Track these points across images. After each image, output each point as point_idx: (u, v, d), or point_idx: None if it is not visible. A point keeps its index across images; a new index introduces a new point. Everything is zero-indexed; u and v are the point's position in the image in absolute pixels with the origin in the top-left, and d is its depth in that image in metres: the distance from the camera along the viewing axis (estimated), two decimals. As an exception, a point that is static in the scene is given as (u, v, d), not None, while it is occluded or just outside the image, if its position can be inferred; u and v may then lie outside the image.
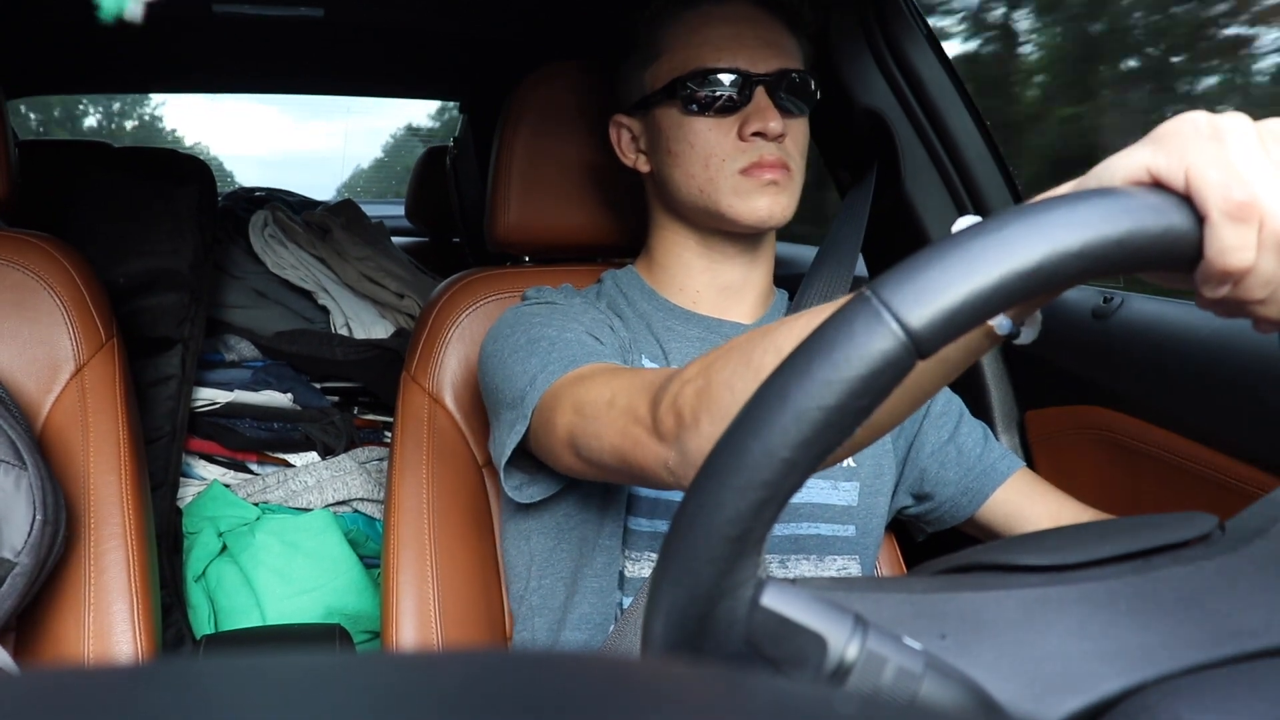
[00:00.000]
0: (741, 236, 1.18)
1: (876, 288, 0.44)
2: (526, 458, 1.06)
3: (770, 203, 1.12)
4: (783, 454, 0.42)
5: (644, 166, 1.23)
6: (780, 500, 0.43)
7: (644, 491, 1.13)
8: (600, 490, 1.13)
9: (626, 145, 1.24)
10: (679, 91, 1.14)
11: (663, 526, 1.14)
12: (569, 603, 1.15)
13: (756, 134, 1.11)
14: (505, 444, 1.03)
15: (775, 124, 1.11)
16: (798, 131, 1.16)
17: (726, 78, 1.12)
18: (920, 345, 0.43)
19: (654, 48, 1.18)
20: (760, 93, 1.12)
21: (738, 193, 1.12)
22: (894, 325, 0.43)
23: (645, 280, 1.24)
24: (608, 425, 0.88)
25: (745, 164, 1.12)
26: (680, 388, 0.80)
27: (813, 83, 1.18)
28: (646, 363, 1.17)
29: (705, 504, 0.44)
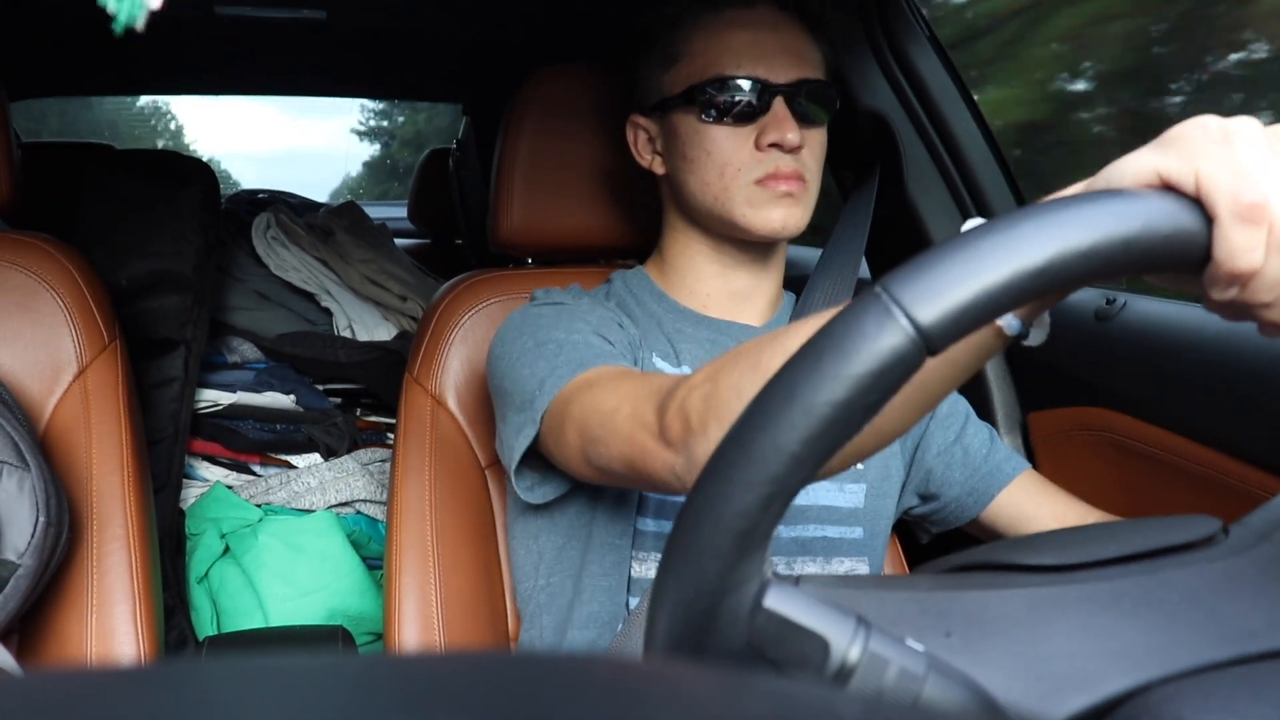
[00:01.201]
0: (754, 244, 1.18)
1: (887, 284, 0.44)
2: (537, 458, 1.06)
3: (785, 214, 1.12)
4: (791, 449, 0.42)
5: (659, 169, 1.22)
6: (787, 496, 0.43)
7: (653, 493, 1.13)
8: (613, 490, 1.13)
9: (643, 146, 1.24)
10: (697, 98, 1.13)
11: (669, 527, 1.14)
12: (576, 601, 1.15)
13: (773, 145, 1.11)
14: (515, 448, 1.03)
15: (793, 135, 1.10)
16: (815, 142, 1.15)
17: (745, 86, 1.11)
18: (930, 342, 0.43)
19: (674, 51, 1.17)
20: (779, 103, 1.12)
21: (752, 203, 1.12)
22: (904, 321, 0.43)
23: (655, 282, 1.24)
24: (616, 432, 0.88)
25: (761, 174, 1.11)
26: (688, 393, 0.80)
27: (832, 92, 1.17)
28: (658, 361, 1.17)
29: (712, 498, 0.44)
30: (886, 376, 0.43)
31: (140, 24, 0.47)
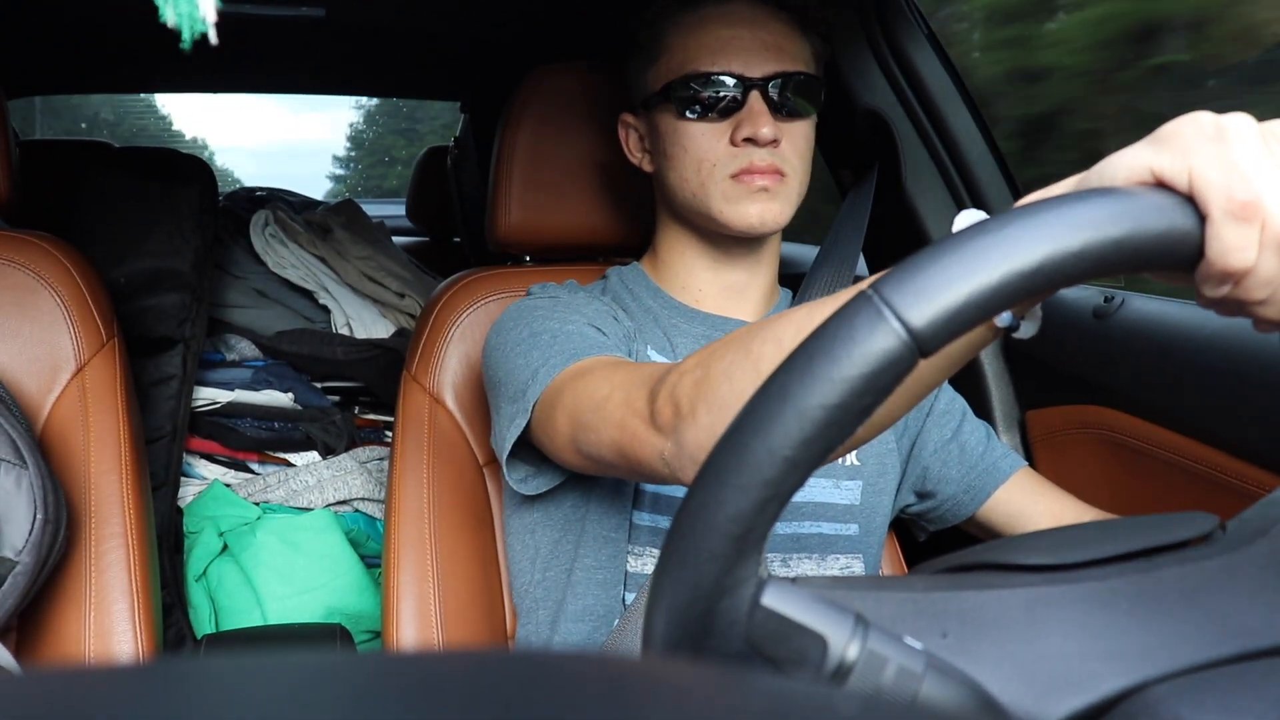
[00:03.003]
0: (743, 239, 1.18)
1: (878, 286, 0.44)
2: (530, 450, 1.06)
3: (761, 209, 1.12)
4: (785, 453, 0.42)
5: (648, 166, 1.23)
6: (782, 499, 0.43)
7: (647, 486, 1.13)
8: (609, 482, 1.13)
9: (633, 145, 1.24)
10: (674, 94, 1.13)
11: (664, 522, 1.14)
12: (570, 595, 1.15)
13: (748, 139, 1.10)
14: (506, 437, 1.03)
15: (767, 130, 1.10)
16: (796, 135, 1.14)
17: (721, 81, 1.12)
18: (922, 344, 0.43)
19: (654, 48, 1.18)
20: (754, 97, 1.11)
21: (728, 198, 1.12)
22: (896, 324, 0.43)
23: (650, 277, 1.25)
24: (607, 419, 0.88)
25: (736, 169, 1.11)
26: (678, 378, 0.80)
27: (815, 84, 1.17)
28: (652, 354, 1.17)
29: (707, 502, 0.44)
30: (879, 379, 0.43)
31: (212, 34, 0.48)
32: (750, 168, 1.11)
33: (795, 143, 1.14)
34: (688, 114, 1.13)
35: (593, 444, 0.91)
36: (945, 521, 1.28)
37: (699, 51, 1.13)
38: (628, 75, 1.24)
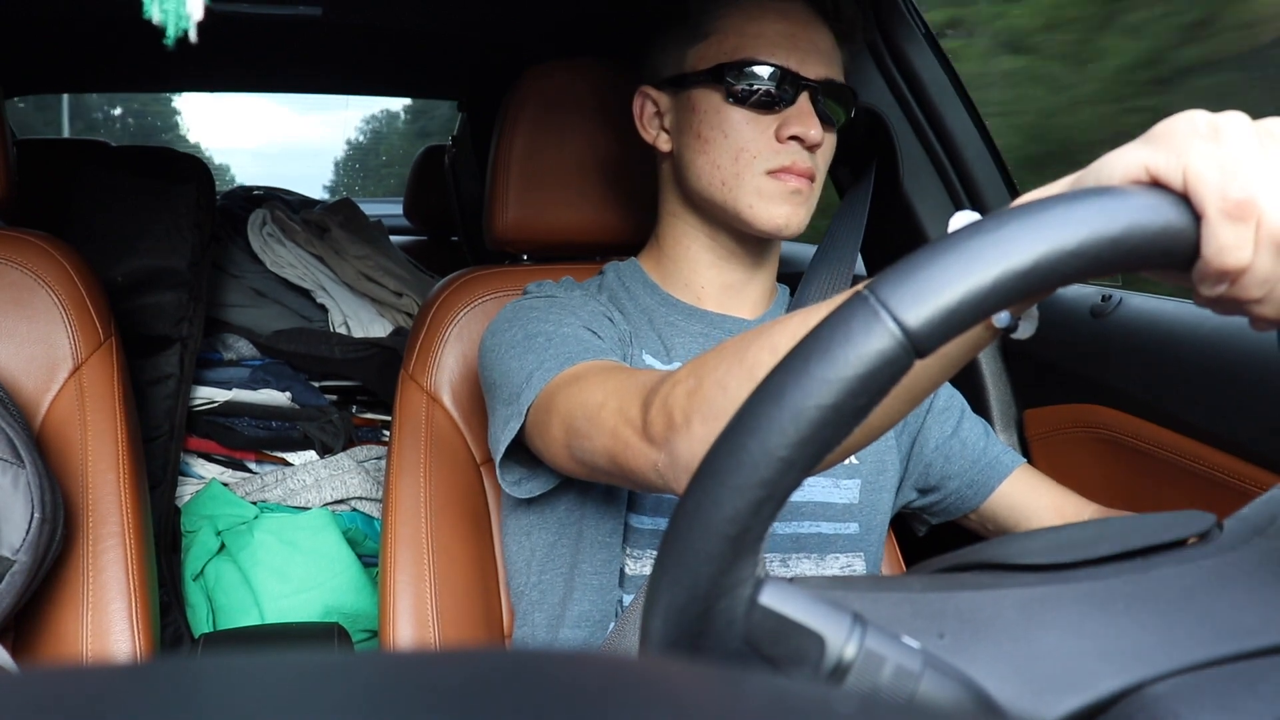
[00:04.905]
0: (751, 237, 1.18)
1: (874, 287, 0.44)
2: (524, 452, 1.05)
3: (790, 212, 1.11)
4: (781, 453, 0.42)
5: (664, 146, 1.20)
6: (778, 499, 0.43)
7: None
8: (603, 485, 1.13)
9: (648, 120, 1.21)
10: (724, 78, 1.11)
11: (664, 524, 1.14)
12: (568, 599, 1.14)
13: (794, 138, 1.10)
14: (501, 440, 1.03)
15: (816, 131, 1.09)
16: (828, 144, 1.14)
17: (775, 74, 1.10)
18: (918, 345, 0.43)
19: (702, 27, 1.16)
20: (804, 97, 1.11)
21: (761, 194, 1.11)
22: (891, 325, 0.43)
23: (649, 274, 1.24)
24: (600, 428, 0.88)
25: (775, 165, 1.10)
26: (671, 389, 0.79)
27: (852, 98, 1.17)
28: (648, 358, 1.16)
29: (703, 503, 0.44)
30: (875, 380, 0.43)
31: (193, 33, 0.48)
32: (791, 167, 1.10)
33: (826, 152, 1.14)
34: (734, 100, 1.11)
35: (586, 451, 0.91)
36: (949, 515, 1.28)
37: (758, 40, 1.12)
38: (657, 47, 1.21)
